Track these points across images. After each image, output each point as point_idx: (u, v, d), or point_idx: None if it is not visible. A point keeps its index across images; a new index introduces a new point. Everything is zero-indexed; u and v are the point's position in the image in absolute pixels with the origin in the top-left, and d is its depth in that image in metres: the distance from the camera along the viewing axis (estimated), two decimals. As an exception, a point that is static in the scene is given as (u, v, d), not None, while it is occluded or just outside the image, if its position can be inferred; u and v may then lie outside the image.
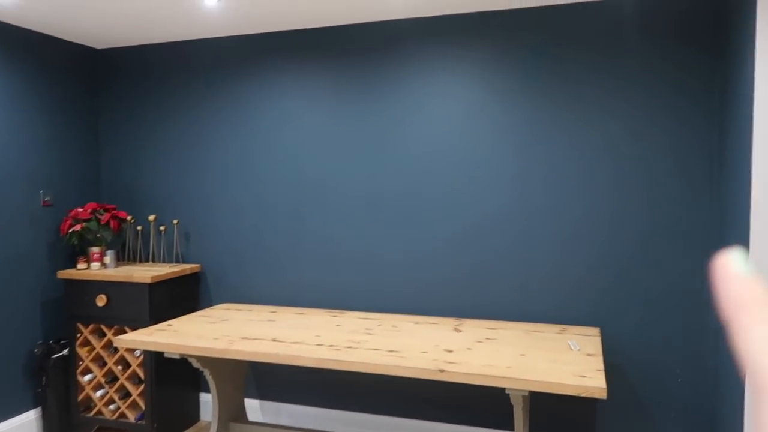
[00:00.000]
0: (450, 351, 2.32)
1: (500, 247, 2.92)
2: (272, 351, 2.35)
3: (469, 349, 2.36)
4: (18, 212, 3.15)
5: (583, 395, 1.90)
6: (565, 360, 2.21)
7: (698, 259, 2.65)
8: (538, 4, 2.76)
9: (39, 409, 3.25)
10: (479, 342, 2.47)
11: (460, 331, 2.67)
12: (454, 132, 2.97)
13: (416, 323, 2.82)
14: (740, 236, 2.24)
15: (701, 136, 2.63)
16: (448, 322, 2.83)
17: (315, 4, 2.80)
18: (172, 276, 3.24)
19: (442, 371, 2.09)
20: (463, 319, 2.90)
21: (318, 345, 2.43)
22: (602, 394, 1.90)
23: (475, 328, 2.71)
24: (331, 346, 2.42)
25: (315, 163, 3.22)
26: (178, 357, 2.56)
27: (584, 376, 2.01)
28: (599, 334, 2.61)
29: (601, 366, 2.12)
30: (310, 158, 3.23)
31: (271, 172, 3.32)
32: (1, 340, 3.06)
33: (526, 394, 2.04)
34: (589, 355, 2.27)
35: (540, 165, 2.85)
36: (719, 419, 2.55)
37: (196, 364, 2.71)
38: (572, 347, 2.37)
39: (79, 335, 3.24)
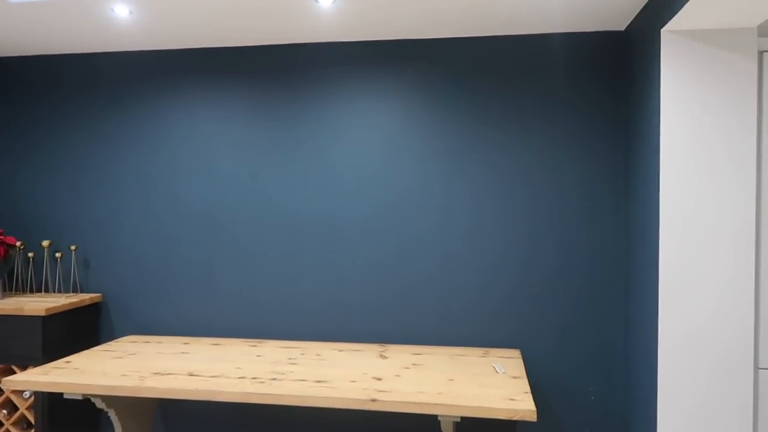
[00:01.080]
0: (379, 379, 2.28)
1: (423, 273, 2.94)
2: (190, 387, 2.19)
3: (397, 376, 2.33)
4: None
5: (515, 419, 1.93)
6: (492, 384, 2.23)
7: (608, 282, 2.80)
8: None
9: None
10: (407, 368, 2.45)
11: (386, 357, 2.63)
12: (375, 157, 2.97)
13: (340, 351, 2.75)
14: (649, 260, 2.39)
15: (607, 165, 2.80)
16: (373, 349, 2.79)
17: (234, 21, 2.71)
18: (70, 307, 2.95)
19: (374, 400, 2.04)
20: (387, 345, 2.87)
21: (240, 378, 2.30)
22: (532, 417, 1.93)
23: (400, 354, 2.69)
24: (254, 378, 2.29)
25: (230, 187, 3.09)
26: (80, 398, 2.31)
27: (513, 399, 2.04)
28: (520, 355, 2.68)
29: (528, 388, 2.16)
30: (224, 181, 3.10)
31: (181, 195, 3.14)
32: None
33: (459, 419, 2.03)
34: (514, 377, 2.32)
35: (461, 192, 2.91)
36: (629, 433, 2.69)
37: (100, 405, 2.47)
38: (498, 370, 2.41)
39: (-45, 377, 2.86)
